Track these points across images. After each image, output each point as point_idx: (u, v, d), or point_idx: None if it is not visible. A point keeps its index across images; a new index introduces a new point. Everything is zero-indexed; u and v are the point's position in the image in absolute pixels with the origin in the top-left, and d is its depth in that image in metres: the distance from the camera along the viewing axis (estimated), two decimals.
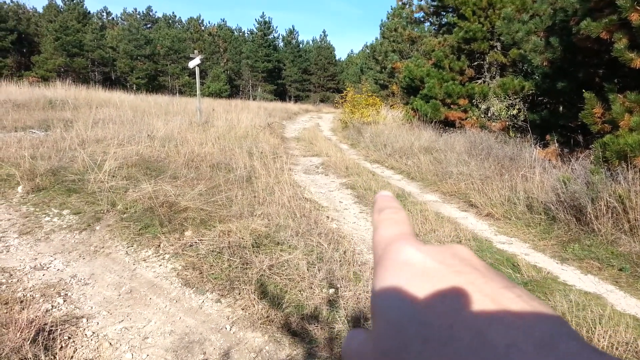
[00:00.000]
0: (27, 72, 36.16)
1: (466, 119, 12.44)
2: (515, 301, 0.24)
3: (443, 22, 15.77)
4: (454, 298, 0.24)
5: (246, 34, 53.81)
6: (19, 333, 2.69)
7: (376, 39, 38.41)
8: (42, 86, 20.28)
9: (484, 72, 13.67)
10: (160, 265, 3.84)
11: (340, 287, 3.50)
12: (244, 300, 3.29)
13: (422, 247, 0.29)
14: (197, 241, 4.18)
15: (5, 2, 41.06)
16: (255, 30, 49.88)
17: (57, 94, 16.83)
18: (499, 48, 12.98)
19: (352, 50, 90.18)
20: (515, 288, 0.25)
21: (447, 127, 12.73)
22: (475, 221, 5.76)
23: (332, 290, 3.44)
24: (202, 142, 8.79)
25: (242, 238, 4.24)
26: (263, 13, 54.64)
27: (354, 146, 13.19)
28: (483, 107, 11.81)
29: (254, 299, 3.27)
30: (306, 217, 5.11)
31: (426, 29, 18.74)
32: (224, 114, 14.42)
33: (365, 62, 42.30)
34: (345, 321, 3.03)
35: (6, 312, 3.02)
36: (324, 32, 71.49)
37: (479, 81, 13.49)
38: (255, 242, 4.23)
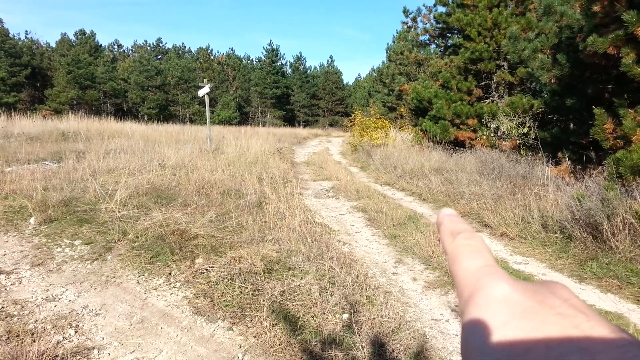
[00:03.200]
0: (41, 105, 36.96)
1: (476, 138, 12.40)
2: (628, 350, 0.22)
3: (449, 44, 15.91)
4: (561, 345, 0.22)
5: (254, 62, 54.72)
6: None
7: (383, 62, 38.82)
8: (55, 119, 20.67)
9: (492, 91, 13.69)
10: (172, 293, 3.80)
11: (354, 312, 3.43)
12: (255, 328, 3.23)
13: (517, 284, 0.27)
14: (208, 268, 4.15)
15: (20, 38, 42.34)
16: (263, 57, 50.74)
17: (69, 126, 17.13)
18: (506, 67, 13.03)
19: (359, 74, 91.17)
20: (624, 333, 0.23)
21: (457, 147, 12.70)
22: (489, 241, 5.67)
23: (345, 316, 3.38)
24: (212, 169, 8.84)
25: (253, 264, 4.20)
26: (270, 41, 55.62)
27: (364, 169, 13.18)
28: (493, 126, 11.78)
29: (266, 326, 3.21)
30: (317, 241, 5.06)
31: (432, 51, 18.92)
32: (233, 140, 14.54)
33: (372, 86, 42.67)
34: (361, 347, 2.96)
35: (17, 345, 2.99)
36: (331, 57, 72.58)
37: (487, 101, 13.50)
38: (267, 268, 4.19)
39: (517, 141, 10.61)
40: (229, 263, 4.22)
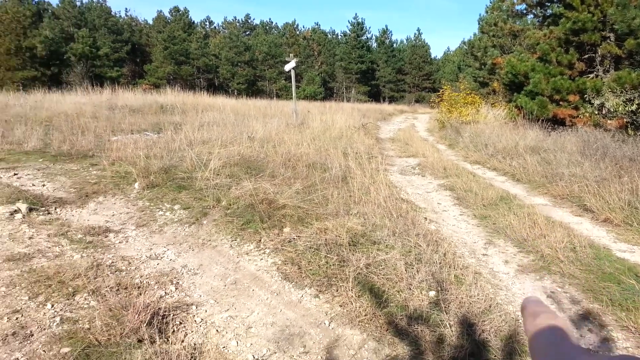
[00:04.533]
0: (141, 79, 39.63)
1: (577, 116, 11.48)
2: None
3: (548, 14, 14.71)
4: None
5: (339, 36, 54.40)
6: (137, 315, 2.91)
7: (474, 34, 36.86)
8: (154, 92, 22.07)
9: (596, 65, 12.52)
10: (262, 259, 3.97)
11: (442, 290, 3.37)
12: (341, 297, 3.28)
13: None
14: (295, 237, 4.26)
15: (121, 16, 45.42)
16: (348, 32, 50.26)
17: (167, 99, 18.24)
18: (612, 39, 11.81)
19: (448, 48, 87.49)
20: None
21: (555, 126, 11.85)
22: (591, 227, 5.27)
23: (432, 293, 3.32)
24: (298, 143, 9.00)
25: (339, 236, 4.25)
26: (356, 14, 54.86)
27: (451, 147, 12.75)
28: (596, 103, 10.82)
29: (352, 296, 3.25)
30: (403, 218, 5.01)
31: (529, 22, 17.59)
32: (318, 115, 14.67)
33: (462, 60, 40.82)
34: (448, 325, 2.91)
35: (125, 296, 3.29)
36: (418, 30, 70.05)
37: (591, 75, 12.38)
38: (352, 241, 4.22)
39: (625, 119, 9.68)
40: (315, 234, 4.30)
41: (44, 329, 2.91)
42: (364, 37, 49.35)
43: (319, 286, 3.47)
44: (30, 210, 5.14)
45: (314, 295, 3.37)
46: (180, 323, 2.99)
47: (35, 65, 32.69)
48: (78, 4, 40.54)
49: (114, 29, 39.65)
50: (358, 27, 48.88)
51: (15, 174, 6.71)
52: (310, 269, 3.68)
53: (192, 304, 3.24)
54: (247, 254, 4.08)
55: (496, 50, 23.00)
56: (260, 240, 4.30)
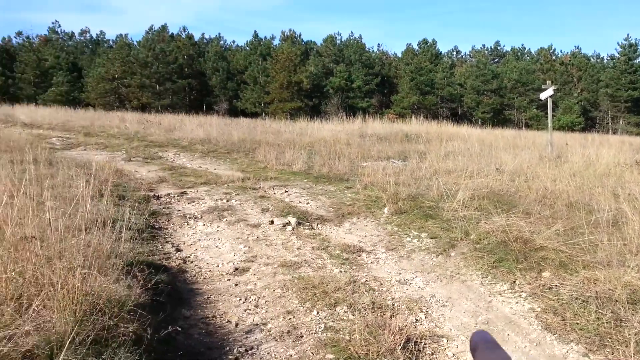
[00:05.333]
0: (387, 109, 42.12)
1: None
2: None
3: None
4: None
5: (605, 60, 47.80)
6: (392, 337, 3.03)
7: None
8: (399, 121, 23.22)
9: None
10: (517, 302, 3.69)
11: None
12: None
13: None
14: (558, 284, 3.84)
15: (373, 51, 49.30)
16: (617, 54, 43.77)
17: (411, 128, 18.93)
18: None
19: None
20: None
21: None
22: None
23: None
24: (555, 178, 8.17)
25: (612, 290, 3.65)
26: (628, 35, 47.12)
27: None
28: None
29: None
30: None
31: None
32: (578, 148, 13.09)
33: None
34: None
35: (380, 316, 3.46)
36: None
37: None
38: (630, 298, 3.57)
39: None
40: (582, 283, 3.79)
41: (312, 333, 3.28)
42: (637, 61, 42.25)
43: (589, 344, 3.03)
44: (298, 224, 5.93)
45: (582, 353, 2.96)
46: (432, 354, 2.99)
47: (300, 97, 38.22)
48: (338, 42, 45.79)
49: (366, 63, 43.36)
50: (630, 49, 42.16)
51: (286, 191, 7.87)
52: (577, 323, 3.25)
53: (442, 336, 3.22)
54: (500, 294, 3.86)
55: None
56: (514, 282, 4.01)
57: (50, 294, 2.74)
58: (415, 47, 47.71)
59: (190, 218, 6.09)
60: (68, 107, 26.79)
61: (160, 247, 4.99)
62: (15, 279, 2.83)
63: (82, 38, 48.72)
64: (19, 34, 44.69)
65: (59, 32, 47.39)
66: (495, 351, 0.35)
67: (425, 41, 47.31)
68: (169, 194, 7.23)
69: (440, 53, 48.35)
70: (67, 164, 7.08)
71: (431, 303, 3.78)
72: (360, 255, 4.94)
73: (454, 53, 56.93)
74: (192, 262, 4.65)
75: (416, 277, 4.36)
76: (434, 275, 4.36)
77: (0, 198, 4.02)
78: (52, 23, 48.40)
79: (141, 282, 3.22)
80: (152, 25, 42.57)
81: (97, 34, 49.00)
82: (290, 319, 3.52)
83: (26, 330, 2.47)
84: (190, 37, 43.73)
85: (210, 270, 4.44)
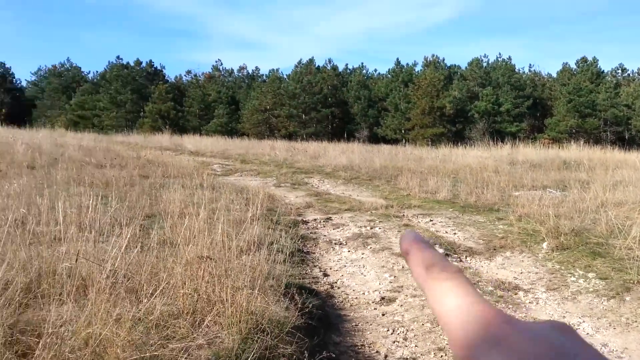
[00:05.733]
0: (540, 134, 39.01)
1: None
2: None
3: None
4: None
5: None
6: None
7: None
8: (554, 147, 21.33)
9: None
10: None
11: None
12: None
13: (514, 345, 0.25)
14: None
15: (524, 72, 46.23)
16: None
17: (570, 154, 17.26)
18: None
19: None
20: None
21: None
22: None
23: None
24: None
25: None
26: None
27: None
28: None
29: None
30: None
31: None
32: None
33: None
34: None
35: None
36: None
37: None
38: None
39: None
40: None
41: None
42: None
43: None
44: (446, 255, 5.76)
45: None
46: None
47: (443, 122, 37.33)
48: (484, 64, 43.93)
49: (516, 85, 40.80)
50: None
51: (430, 220, 7.72)
52: None
53: None
54: None
55: None
56: None
57: (221, 311, 3.04)
58: (573, 66, 43.75)
59: (335, 244, 6.28)
60: (227, 137, 29.97)
61: (309, 270, 5.22)
62: (191, 295, 3.20)
63: (240, 74, 53.95)
64: (188, 72, 51.78)
65: (221, 69, 53.25)
66: (430, 250, 0.35)
67: (584, 59, 43.14)
68: (315, 219, 7.57)
69: (603, 72, 43.56)
70: (228, 189, 7.84)
71: (603, 352, 3.36)
72: (516, 294, 4.61)
73: (619, 71, 50.80)
74: (339, 287, 4.78)
75: (584, 322, 3.92)
76: (605, 322, 3.88)
77: (176, 220, 4.62)
78: (215, 61, 54.57)
79: (298, 305, 3.40)
80: (301, 59, 45.53)
81: (252, 70, 53.83)
82: (442, 356, 3.41)
83: (199, 343, 2.78)
84: (334, 68, 45.81)
85: (356, 298, 4.51)
